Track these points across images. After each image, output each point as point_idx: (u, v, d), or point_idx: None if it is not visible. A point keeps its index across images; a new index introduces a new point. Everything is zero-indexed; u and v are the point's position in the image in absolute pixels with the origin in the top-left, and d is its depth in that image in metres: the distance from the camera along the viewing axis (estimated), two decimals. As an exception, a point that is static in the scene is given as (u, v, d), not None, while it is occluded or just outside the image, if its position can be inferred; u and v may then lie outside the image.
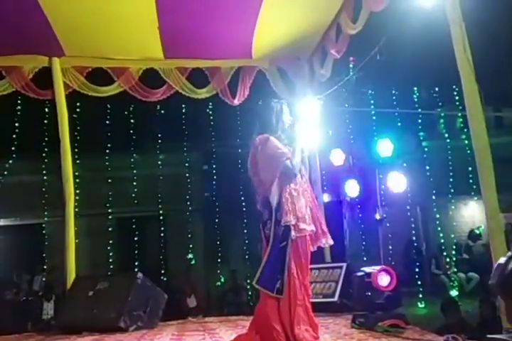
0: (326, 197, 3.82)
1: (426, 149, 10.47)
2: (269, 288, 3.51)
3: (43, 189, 11.53)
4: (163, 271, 11.48)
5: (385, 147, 5.90)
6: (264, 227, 3.65)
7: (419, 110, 9.17)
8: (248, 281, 10.77)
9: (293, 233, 3.56)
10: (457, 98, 8.82)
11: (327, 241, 3.79)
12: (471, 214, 11.86)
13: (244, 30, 6.33)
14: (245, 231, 11.38)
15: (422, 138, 10.38)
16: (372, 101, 8.75)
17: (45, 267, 11.65)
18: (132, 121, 12.00)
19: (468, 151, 8.70)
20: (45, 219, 12.03)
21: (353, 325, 4.50)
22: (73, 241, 6.57)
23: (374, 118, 8.45)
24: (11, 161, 11.85)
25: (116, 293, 5.73)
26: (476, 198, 11.07)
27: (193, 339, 4.49)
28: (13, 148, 11.65)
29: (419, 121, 10.10)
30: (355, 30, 5.39)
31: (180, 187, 12.20)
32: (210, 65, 7.01)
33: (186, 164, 12.26)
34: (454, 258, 9.58)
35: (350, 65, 6.85)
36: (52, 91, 6.83)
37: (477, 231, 9.90)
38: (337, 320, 5.01)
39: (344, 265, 6.06)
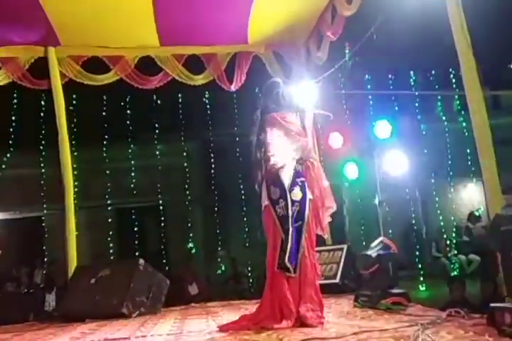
0: (325, 183, 3.82)
1: (424, 132, 10.46)
2: (293, 268, 3.55)
3: (42, 182, 11.51)
4: (164, 261, 11.49)
5: (383, 128, 5.90)
6: (275, 206, 3.66)
7: (416, 93, 9.17)
8: (249, 268, 10.83)
9: (307, 211, 3.60)
10: (454, 81, 8.84)
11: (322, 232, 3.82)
12: (471, 196, 11.90)
13: (240, 16, 6.32)
14: (245, 219, 11.40)
15: (419, 121, 10.37)
16: (369, 84, 8.75)
17: (45, 260, 11.67)
18: (129, 111, 11.96)
19: (466, 134, 8.75)
20: (45, 212, 12.02)
21: (356, 303, 4.53)
22: (73, 234, 6.59)
23: (371, 101, 8.45)
24: (8, 155, 11.83)
25: (118, 280, 5.75)
26: (474, 180, 11.10)
27: (196, 323, 4.51)
28: (10, 142, 11.63)
29: (417, 104, 10.09)
30: (351, 11, 5.38)
31: (178, 176, 12.20)
32: (206, 52, 7.01)
33: (184, 154, 12.25)
34: (454, 241, 9.62)
35: (346, 51, 6.81)
36: (48, 81, 6.82)
37: (477, 213, 9.91)
38: (339, 301, 5.04)
39: (345, 246, 6.10)
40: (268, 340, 3.01)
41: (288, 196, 3.62)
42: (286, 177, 3.67)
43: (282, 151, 3.72)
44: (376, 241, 4.65)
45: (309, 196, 3.69)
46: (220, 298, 7.62)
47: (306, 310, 3.51)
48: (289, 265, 3.55)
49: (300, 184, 3.67)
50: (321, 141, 6.61)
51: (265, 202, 3.73)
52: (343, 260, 5.92)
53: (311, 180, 3.73)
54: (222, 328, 3.66)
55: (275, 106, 3.84)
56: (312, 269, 3.64)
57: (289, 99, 3.91)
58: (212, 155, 12.22)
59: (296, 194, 3.64)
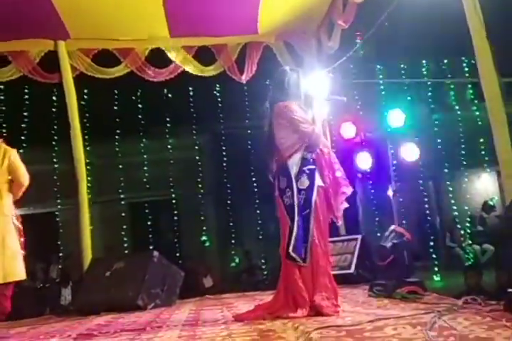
0: (338, 173, 3.78)
1: (437, 122, 10.36)
2: (300, 257, 3.53)
3: (55, 177, 11.58)
4: (177, 254, 11.55)
5: (396, 117, 5.84)
6: (283, 196, 3.64)
7: (429, 81, 9.07)
8: (263, 261, 10.84)
9: (314, 198, 3.57)
10: (467, 69, 8.73)
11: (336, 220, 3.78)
12: (484, 186, 11.78)
13: (249, 6, 6.27)
14: (258, 211, 11.39)
15: (432, 110, 10.27)
16: (381, 73, 8.67)
17: (60, 255, 11.76)
18: (140, 106, 11.99)
19: (480, 123, 8.66)
20: (59, 207, 12.11)
21: (371, 293, 4.50)
22: (88, 228, 6.61)
23: (384, 90, 8.37)
24: (21, 151, 11.89)
25: (132, 272, 5.75)
26: (488, 170, 11.00)
27: (211, 313, 4.51)
28: (23, 138, 11.70)
29: (429, 94, 9.99)
30: (362, -2, 5.31)
31: (191, 170, 12.22)
32: (216, 43, 6.96)
33: (196, 147, 12.27)
34: (469, 231, 9.55)
35: (358, 39, 6.75)
36: (59, 75, 6.83)
37: (491, 203, 9.82)
38: (354, 291, 5.02)
39: (359, 237, 6.06)
40: (283, 329, 2.98)
41: (294, 185, 3.59)
42: (294, 166, 3.64)
43: (289, 140, 3.70)
44: (388, 231, 4.62)
45: (319, 183, 3.63)
46: (234, 290, 7.63)
47: (322, 298, 3.48)
48: (293, 254, 3.53)
49: (308, 172, 3.62)
50: (333, 131, 6.55)
51: (276, 192, 3.73)
52: (357, 250, 5.89)
53: (321, 167, 3.67)
54: (238, 318, 3.66)
55: (281, 95, 3.80)
56: (324, 257, 3.60)
57: (295, 86, 3.86)
58: (224, 148, 12.21)
59: (303, 182, 3.60)
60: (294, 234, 3.54)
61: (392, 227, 4.63)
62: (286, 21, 6.55)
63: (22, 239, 4.48)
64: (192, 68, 6.95)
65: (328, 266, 3.64)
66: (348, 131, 6.37)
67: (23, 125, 11.63)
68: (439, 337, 2.18)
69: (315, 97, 3.90)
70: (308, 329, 2.68)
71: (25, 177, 4.52)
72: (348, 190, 3.73)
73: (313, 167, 3.65)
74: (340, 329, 2.57)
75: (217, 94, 11.43)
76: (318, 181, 3.64)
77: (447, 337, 2.19)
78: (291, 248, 3.53)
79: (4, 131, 12.60)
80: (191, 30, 6.71)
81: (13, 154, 4.54)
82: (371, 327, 2.58)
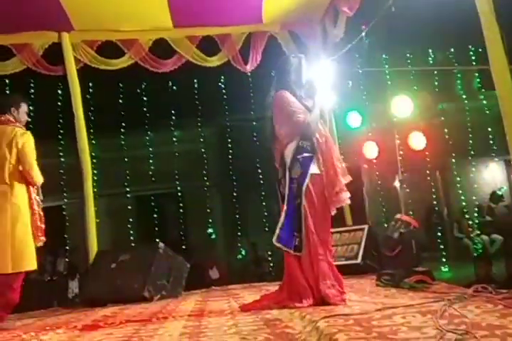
0: (335, 161, 3.72)
1: (443, 111, 10.25)
2: (288, 246, 3.50)
3: (61, 171, 11.59)
4: (184, 246, 11.55)
5: (402, 105, 5.76)
6: (280, 186, 3.63)
7: (435, 71, 8.97)
8: (269, 253, 10.82)
9: (305, 186, 3.51)
10: (474, 58, 8.62)
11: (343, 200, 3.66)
12: (492, 175, 11.66)
13: (253, -5, 6.20)
14: (263, 203, 11.37)
15: (439, 99, 10.16)
16: (387, 62, 8.58)
17: (67, 248, 11.80)
18: (145, 99, 11.96)
19: (488, 112, 8.57)
20: (65, 200, 12.14)
21: (378, 283, 4.46)
22: (94, 222, 6.59)
23: (390, 79, 8.29)
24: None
25: (138, 264, 5.75)
26: (496, 159, 10.90)
27: (217, 304, 4.49)
28: (28, 131, 11.68)
29: (436, 83, 9.88)
30: (368, -16, 5.22)
31: (196, 163, 12.20)
32: (220, 32, 6.89)
33: (201, 139, 12.24)
34: (477, 221, 9.48)
35: (363, 30, 6.65)
36: (63, 67, 6.79)
37: (499, 193, 9.73)
38: (361, 281, 4.98)
39: (366, 227, 6.01)
40: (290, 318, 2.96)
41: (287, 174, 3.57)
42: (289, 155, 3.60)
43: (285, 130, 3.65)
44: (394, 220, 4.58)
45: (314, 171, 3.56)
46: (240, 281, 7.62)
47: (327, 287, 3.44)
48: (278, 244, 3.51)
49: (301, 160, 3.57)
50: (339, 120, 6.48)
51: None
52: (364, 240, 5.85)
53: (319, 155, 3.58)
54: (244, 308, 3.64)
55: (283, 84, 3.76)
56: (323, 245, 3.52)
57: (297, 74, 3.81)
58: (229, 140, 12.18)
59: (296, 171, 3.56)
60: (280, 223, 3.52)
61: (398, 216, 4.58)
62: (291, 10, 6.46)
63: (43, 226, 4.41)
64: (196, 58, 6.88)
65: (327, 253, 3.55)
66: (354, 120, 6.30)
67: (28, 118, 11.63)
68: (449, 325, 2.14)
69: (318, 85, 3.85)
70: (315, 318, 2.64)
71: (32, 175, 4.24)
72: (346, 179, 3.65)
73: (309, 155, 3.59)
74: (348, 318, 2.53)
75: (222, 86, 11.38)
76: (313, 169, 3.57)
77: (458, 324, 2.15)
78: (274, 238, 3.51)
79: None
80: (195, 20, 6.64)
81: (22, 142, 4.19)
82: (379, 316, 2.54)
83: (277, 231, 3.52)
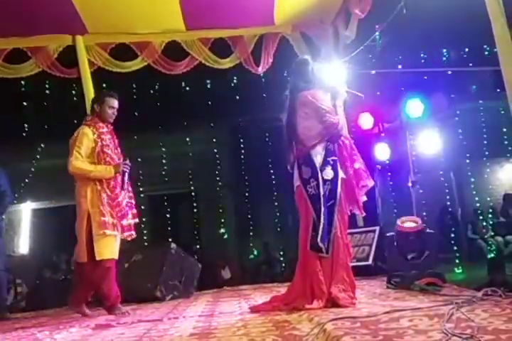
0: (357, 164, 3.75)
1: (458, 111, 10.17)
2: (325, 248, 3.52)
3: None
4: (196, 246, 11.61)
5: (415, 107, 5.74)
6: (306, 185, 3.60)
7: (449, 71, 8.89)
8: (281, 253, 10.84)
9: (339, 189, 3.56)
10: (489, 58, 8.52)
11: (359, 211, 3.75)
12: (508, 176, 11.54)
13: (265, -3, 6.21)
14: (276, 203, 11.39)
15: (453, 100, 10.08)
16: (400, 63, 8.53)
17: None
18: (158, 99, 12.03)
19: (503, 112, 8.47)
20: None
21: (388, 285, 4.47)
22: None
23: (403, 80, 8.24)
24: (42, 145, 12.06)
25: (151, 264, 5.83)
26: (511, 160, 10.79)
27: (228, 305, 4.53)
28: (43, 132, 11.84)
29: (450, 83, 9.80)
30: (379, -14, 5.22)
31: (209, 163, 12.25)
32: (232, 34, 6.92)
33: (214, 140, 12.28)
34: (491, 222, 9.39)
35: (377, 33, 6.64)
36: (77, 70, 6.87)
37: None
38: (372, 282, 5.00)
39: (377, 228, 6.02)
40: (299, 320, 2.98)
41: (319, 175, 3.56)
42: (318, 157, 3.61)
43: (313, 130, 3.66)
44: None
45: (341, 175, 3.62)
46: (252, 282, 7.65)
47: (338, 290, 3.47)
48: (321, 245, 3.50)
49: (331, 163, 3.60)
50: (351, 121, 6.47)
51: (297, 182, 3.69)
52: (375, 242, 5.85)
53: (343, 158, 3.66)
54: (254, 309, 3.66)
55: (305, 84, 3.76)
56: (345, 250, 3.60)
57: (319, 76, 3.84)
58: (241, 140, 12.21)
59: (328, 173, 3.58)
60: (322, 224, 3.51)
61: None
62: (303, 11, 6.47)
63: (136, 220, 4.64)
64: (208, 60, 6.92)
65: (348, 258, 3.63)
66: (366, 121, 6.29)
67: (44, 120, 11.77)
68: (455, 329, 2.15)
69: (338, 87, 3.86)
70: (323, 320, 2.66)
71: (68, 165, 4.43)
72: (370, 183, 3.71)
73: (335, 158, 3.63)
74: (356, 321, 2.55)
75: (235, 87, 11.41)
76: (341, 173, 3.63)
77: (464, 328, 2.16)
78: (319, 238, 3.50)
79: (26, 125, 12.79)
80: (207, 22, 6.67)
81: (74, 136, 4.51)
82: (387, 319, 2.55)
83: (320, 232, 3.51)
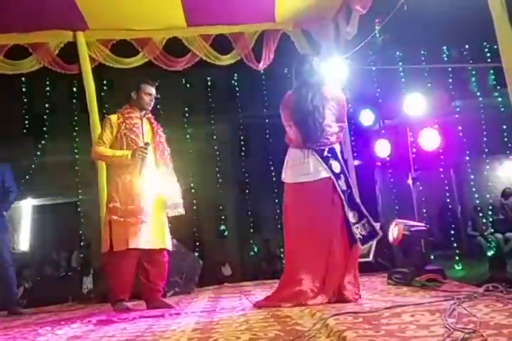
0: (356, 161, 3.82)
1: (458, 109, 10.18)
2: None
3: (76, 168, 11.71)
4: (197, 243, 11.62)
5: (415, 103, 5.73)
6: (338, 180, 3.63)
7: (449, 67, 8.90)
8: (282, 250, 10.83)
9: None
10: (489, 55, 8.53)
11: None
12: (507, 173, 11.56)
13: (266, -7, 6.20)
14: (276, 200, 11.39)
15: (453, 97, 10.09)
16: (400, 60, 8.53)
17: (82, 244, 11.94)
18: (159, 96, 12.02)
19: (502, 109, 8.49)
20: (80, 197, 12.27)
21: (389, 281, 4.48)
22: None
23: (403, 77, 8.24)
24: (43, 142, 12.07)
25: (152, 260, 5.80)
26: (511, 157, 10.79)
27: (229, 301, 4.54)
28: (45, 129, 11.85)
29: (450, 80, 9.81)
30: (380, -18, 5.21)
31: (209, 159, 12.26)
32: (233, 31, 6.91)
33: (214, 137, 12.29)
34: (491, 219, 9.41)
35: (376, 25, 6.64)
36: (78, 66, 6.87)
37: (508, 190, 9.63)
38: (373, 279, 5.01)
39: (378, 225, 5.99)
40: (301, 315, 2.99)
41: (345, 171, 3.72)
42: (339, 153, 3.76)
43: (333, 128, 3.73)
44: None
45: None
46: (253, 278, 7.66)
47: (348, 281, 3.50)
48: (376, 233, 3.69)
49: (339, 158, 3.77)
50: (352, 118, 6.49)
51: (326, 173, 3.62)
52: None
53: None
54: (257, 305, 3.66)
55: (309, 81, 3.77)
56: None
57: (321, 73, 3.87)
58: (242, 137, 12.22)
59: (337, 166, 3.69)
60: (367, 218, 3.65)
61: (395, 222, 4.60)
62: (304, 8, 6.46)
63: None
64: (209, 57, 6.92)
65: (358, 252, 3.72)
66: (367, 118, 6.29)
67: (45, 116, 11.77)
68: (457, 324, 2.16)
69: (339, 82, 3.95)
70: (326, 315, 2.67)
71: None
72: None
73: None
74: (358, 316, 2.55)
75: (235, 84, 11.41)
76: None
77: (467, 323, 2.16)
78: (377, 228, 3.67)
79: (27, 122, 12.79)
80: (208, 18, 6.67)
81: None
82: (388, 314, 2.56)
83: (372, 223, 3.69)
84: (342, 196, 3.59)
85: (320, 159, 3.64)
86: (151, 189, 4.33)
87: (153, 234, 4.31)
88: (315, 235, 3.61)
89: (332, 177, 3.62)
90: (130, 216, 4.16)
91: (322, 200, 3.62)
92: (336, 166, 3.65)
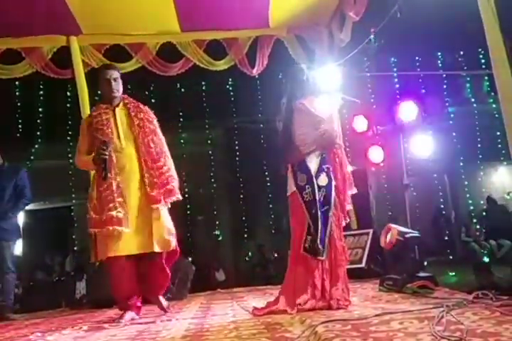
0: (350, 167, 3.83)
1: (452, 115, 10.23)
2: (321, 251, 3.56)
3: (70, 172, 11.67)
4: (190, 248, 11.59)
5: (408, 110, 5.74)
6: (302, 192, 3.64)
7: (444, 74, 8.94)
8: (276, 255, 10.84)
9: (333, 195, 3.65)
10: (483, 61, 8.57)
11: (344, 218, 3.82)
12: (501, 179, 11.61)
13: (260, -1, 6.23)
14: (270, 206, 11.41)
15: (447, 103, 10.13)
16: (394, 66, 8.57)
17: (75, 248, 11.89)
18: (153, 101, 12.03)
19: (497, 115, 8.50)
20: (73, 201, 12.23)
21: (381, 288, 4.47)
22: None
23: (397, 83, 8.28)
24: (37, 146, 12.04)
25: (144, 266, 5.78)
26: (505, 163, 10.84)
27: (221, 307, 4.53)
28: (38, 133, 11.82)
29: (444, 86, 9.86)
30: (373, -11, 5.25)
31: (204, 164, 12.25)
32: (227, 36, 6.94)
33: (209, 141, 12.29)
34: (484, 225, 9.42)
35: (371, 31, 6.67)
36: (71, 70, 6.87)
37: (507, 197, 9.68)
38: (364, 285, 5.00)
39: (370, 231, 6.03)
40: (291, 322, 2.98)
41: (314, 182, 3.62)
42: (313, 164, 3.66)
43: (309, 138, 3.68)
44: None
45: (335, 182, 3.70)
46: (247, 284, 7.64)
47: (338, 290, 3.51)
48: (320, 247, 3.55)
49: (326, 170, 3.68)
50: (345, 124, 6.49)
51: (292, 188, 3.71)
52: (368, 245, 5.86)
53: (334, 166, 3.74)
54: (253, 313, 3.63)
55: (302, 92, 3.79)
56: (342, 252, 3.65)
57: (315, 84, 3.88)
58: (236, 142, 12.23)
59: (322, 180, 3.65)
60: (319, 228, 3.56)
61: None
62: (298, 14, 6.50)
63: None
64: (203, 62, 6.94)
65: (345, 260, 3.68)
66: (361, 124, 6.30)
67: (39, 120, 11.76)
68: (445, 332, 2.16)
69: (334, 95, 3.93)
70: (315, 322, 2.67)
71: None
72: (354, 191, 3.85)
73: (329, 166, 3.70)
74: (347, 323, 2.56)
75: (230, 89, 11.43)
76: (334, 181, 3.70)
77: (454, 331, 2.17)
78: (318, 241, 3.54)
79: (20, 126, 12.76)
80: (202, 24, 6.70)
81: None
82: (377, 321, 2.56)
83: (318, 235, 3.56)
84: (304, 206, 3.61)
85: (291, 174, 3.71)
86: (130, 190, 3.96)
87: (137, 238, 3.96)
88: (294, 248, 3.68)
89: (296, 190, 3.65)
90: (104, 226, 3.85)
91: (294, 214, 3.73)
92: (302, 178, 3.65)
